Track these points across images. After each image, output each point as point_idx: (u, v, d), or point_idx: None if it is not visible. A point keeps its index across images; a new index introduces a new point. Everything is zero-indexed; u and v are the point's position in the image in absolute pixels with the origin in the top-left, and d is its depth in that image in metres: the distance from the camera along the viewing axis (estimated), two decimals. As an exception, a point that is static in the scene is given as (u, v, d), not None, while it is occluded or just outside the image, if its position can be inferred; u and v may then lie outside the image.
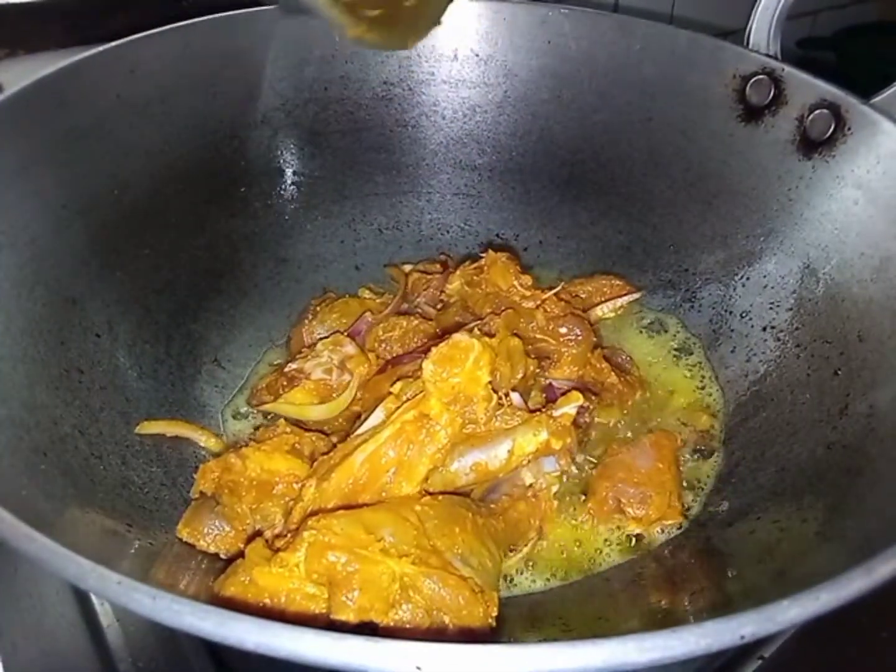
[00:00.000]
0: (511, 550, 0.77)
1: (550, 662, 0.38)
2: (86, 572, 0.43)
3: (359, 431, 0.76)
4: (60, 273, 0.80)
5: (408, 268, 1.10)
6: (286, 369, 0.93)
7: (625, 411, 0.90)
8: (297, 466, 0.75)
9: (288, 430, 0.81)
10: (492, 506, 0.76)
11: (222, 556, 0.73)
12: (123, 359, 0.85)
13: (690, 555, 0.76)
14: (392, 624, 0.58)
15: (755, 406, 0.87)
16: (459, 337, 0.75)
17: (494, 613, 0.60)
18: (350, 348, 0.92)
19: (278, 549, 0.63)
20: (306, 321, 1.01)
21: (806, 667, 0.76)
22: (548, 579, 0.77)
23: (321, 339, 0.96)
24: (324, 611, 0.59)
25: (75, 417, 0.73)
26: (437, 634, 0.58)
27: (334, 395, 0.89)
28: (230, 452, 0.77)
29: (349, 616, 0.57)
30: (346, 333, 0.96)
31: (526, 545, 0.78)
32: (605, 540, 0.80)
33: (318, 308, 1.03)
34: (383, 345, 0.94)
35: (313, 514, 0.67)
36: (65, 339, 0.78)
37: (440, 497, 0.70)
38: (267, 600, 0.59)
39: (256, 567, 0.60)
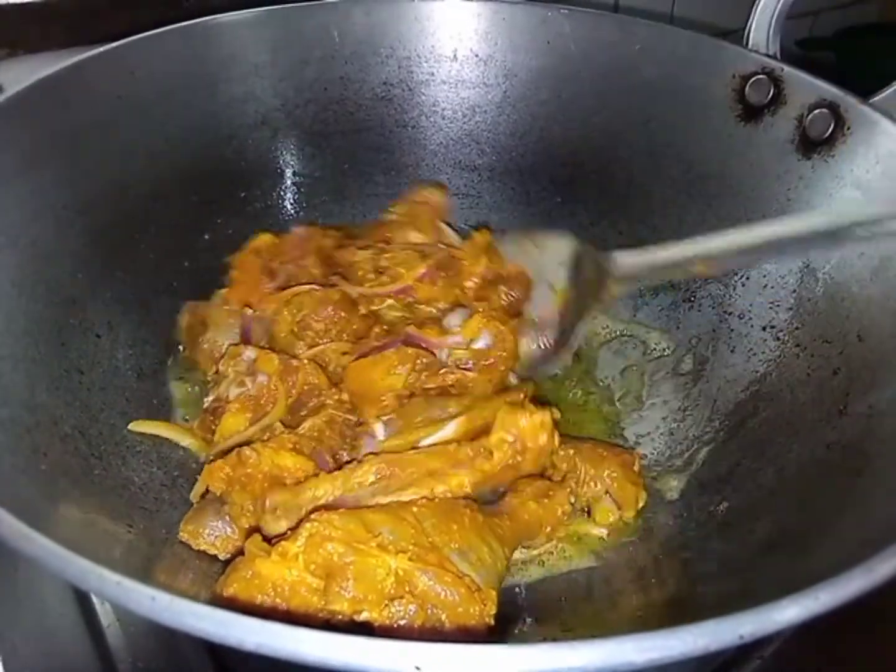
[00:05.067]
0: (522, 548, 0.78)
1: (549, 662, 0.38)
2: (85, 573, 0.43)
3: (427, 441, 0.78)
4: (61, 273, 0.80)
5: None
6: (205, 406, 0.87)
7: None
8: (302, 462, 0.76)
9: (286, 431, 0.81)
10: (499, 505, 0.77)
11: (221, 557, 0.73)
12: (123, 359, 0.85)
13: (690, 556, 0.76)
14: (386, 619, 0.58)
15: (755, 406, 0.86)
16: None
17: (492, 612, 0.60)
18: (249, 353, 0.87)
19: (279, 540, 0.63)
20: (203, 339, 0.93)
21: (805, 667, 0.76)
22: (548, 576, 0.78)
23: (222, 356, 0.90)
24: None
25: (75, 418, 0.73)
26: (432, 632, 0.58)
27: (262, 401, 0.84)
28: (242, 448, 0.76)
29: (343, 606, 0.58)
30: (240, 341, 0.92)
31: (532, 549, 0.79)
32: (603, 539, 0.81)
33: (204, 318, 0.95)
34: (307, 330, 0.90)
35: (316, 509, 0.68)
36: (65, 339, 0.78)
37: (437, 499, 0.71)
38: (270, 592, 0.60)
39: (257, 558, 0.61)
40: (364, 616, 0.58)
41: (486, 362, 0.89)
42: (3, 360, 0.68)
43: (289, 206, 1.11)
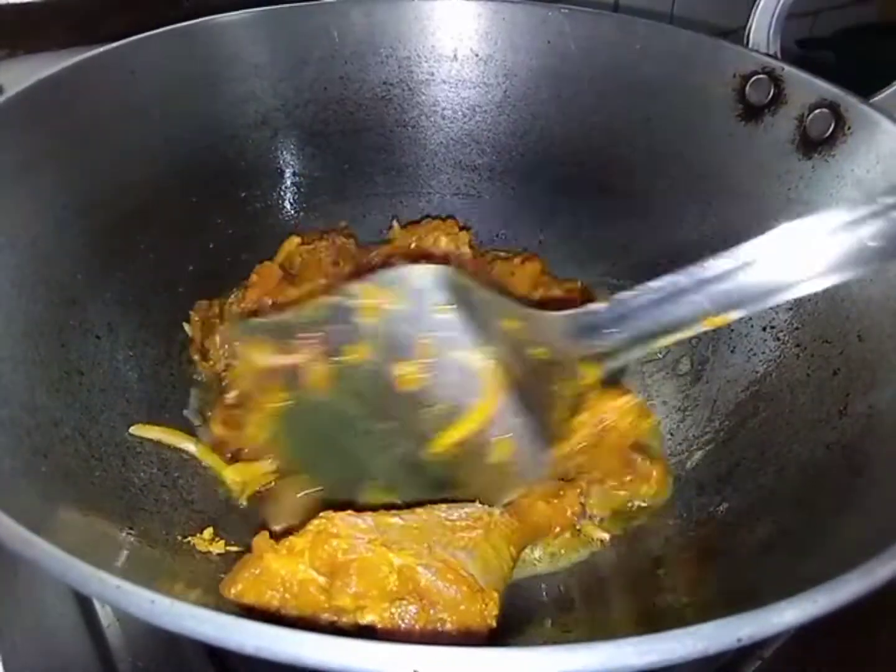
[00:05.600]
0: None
1: (548, 666, 0.38)
2: (86, 577, 0.43)
3: None
4: (61, 274, 0.80)
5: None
6: (227, 402, 0.87)
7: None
8: None
9: None
10: (507, 506, 0.77)
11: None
12: (124, 360, 0.85)
13: (690, 555, 0.76)
14: (388, 620, 0.58)
15: (755, 406, 0.86)
16: None
17: (495, 613, 0.60)
18: None
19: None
20: (219, 329, 0.95)
21: (805, 668, 0.76)
22: (546, 577, 0.78)
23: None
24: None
25: (75, 419, 0.73)
26: (434, 634, 0.58)
27: None
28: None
29: (345, 602, 0.58)
30: None
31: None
32: (603, 539, 0.81)
33: (222, 311, 0.99)
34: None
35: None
36: (65, 340, 0.78)
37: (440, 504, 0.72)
38: (279, 588, 0.60)
39: (266, 553, 0.61)
40: (366, 613, 0.59)
41: None
42: (2, 361, 0.68)
43: (289, 207, 1.11)
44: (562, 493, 0.79)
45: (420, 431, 0.70)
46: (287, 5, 1.02)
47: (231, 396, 0.86)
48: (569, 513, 0.79)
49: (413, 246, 1.08)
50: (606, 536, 0.81)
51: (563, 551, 0.80)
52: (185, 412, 0.91)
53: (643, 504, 0.83)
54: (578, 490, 0.81)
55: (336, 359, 0.71)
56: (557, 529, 0.78)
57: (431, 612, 0.59)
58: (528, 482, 0.74)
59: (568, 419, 0.78)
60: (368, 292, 0.69)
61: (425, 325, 0.67)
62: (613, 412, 0.80)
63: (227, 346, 0.93)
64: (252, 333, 0.76)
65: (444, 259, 1.04)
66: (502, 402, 0.68)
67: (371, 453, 0.73)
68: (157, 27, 0.93)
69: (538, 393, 0.70)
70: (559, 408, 0.73)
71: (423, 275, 0.67)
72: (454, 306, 0.66)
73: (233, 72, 1.01)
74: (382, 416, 0.71)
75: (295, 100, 1.06)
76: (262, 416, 0.78)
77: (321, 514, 0.64)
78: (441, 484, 0.71)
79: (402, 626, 0.59)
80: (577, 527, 0.81)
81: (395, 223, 1.16)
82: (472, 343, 0.67)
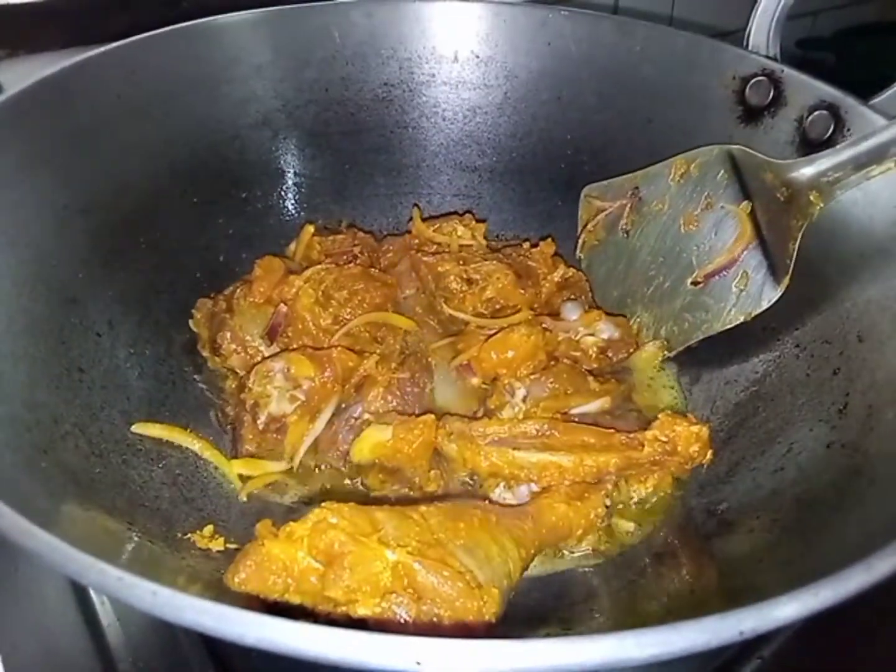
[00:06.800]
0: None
1: (551, 658, 0.38)
2: (87, 568, 0.43)
3: (577, 410, 0.87)
4: (61, 273, 0.80)
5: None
6: (261, 427, 0.88)
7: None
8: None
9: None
10: (524, 506, 0.77)
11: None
12: (124, 358, 0.85)
13: (690, 554, 0.76)
14: (379, 613, 0.58)
15: (755, 406, 0.87)
16: None
17: (493, 610, 0.60)
18: (278, 364, 0.90)
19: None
20: (229, 324, 0.96)
21: (804, 667, 0.76)
22: (547, 574, 0.78)
23: (252, 344, 0.95)
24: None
25: (76, 416, 0.73)
26: (429, 627, 0.58)
27: (313, 403, 0.89)
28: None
29: (337, 594, 0.59)
30: (265, 334, 0.96)
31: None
32: (603, 538, 0.81)
33: (230, 306, 0.99)
34: (330, 300, 0.98)
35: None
36: (66, 338, 0.78)
37: (446, 502, 0.71)
38: (281, 574, 0.60)
39: (266, 539, 0.62)
40: (357, 607, 0.59)
41: (622, 355, 1.00)
42: (3, 358, 0.68)
43: (290, 207, 1.11)
44: (586, 495, 0.79)
45: (686, 264, 0.94)
46: (288, 6, 1.02)
47: (262, 421, 0.88)
48: (592, 515, 0.78)
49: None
50: (632, 526, 0.82)
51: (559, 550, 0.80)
52: (210, 415, 0.93)
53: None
54: (603, 492, 0.81)
55: (645, 208, 1.00)
56: (580, 532, 0.78)
57: (424, 607, 0.59)
58: (751, 312, 0.86)
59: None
60: (678, 163, 0.95)
61: (708, 185, 0.92)
62: (682, 437, 0.81)
63: (239, 340, 0.95)
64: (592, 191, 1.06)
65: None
66: (752, 242, 0.86)
67: (644, 281, 1.00)
68: (157, 27, 0.93)
69: (777, 234, 0.85)
70: (789, 246, 0.84)
71: (710, 151, 0.92)
72: (728, 172, 0.89)
73: (233, 72, 1.01)
74: (662, 252, 0.98)
75: (296, 100, 1.07)
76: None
77: (323, 503, 0.64)
78: (684, 308, 0.95)
79: (394, 620, 0.59)
80: (600, 532, 0.81)
81: (415, 212, 1.17)
82: (737, 197, 0.88)
